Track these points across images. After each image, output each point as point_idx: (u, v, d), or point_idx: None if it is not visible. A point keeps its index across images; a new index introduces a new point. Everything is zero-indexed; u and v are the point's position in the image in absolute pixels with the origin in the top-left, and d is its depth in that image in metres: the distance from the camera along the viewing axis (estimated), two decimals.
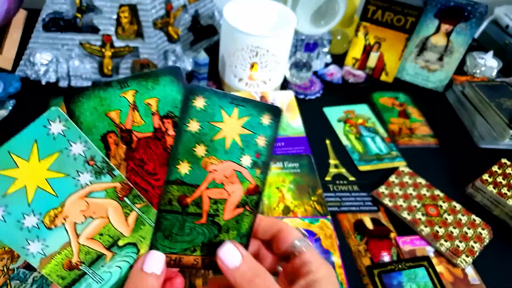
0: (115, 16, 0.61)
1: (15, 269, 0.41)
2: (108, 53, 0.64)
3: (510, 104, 0.66)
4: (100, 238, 0.28)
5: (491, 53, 0.80)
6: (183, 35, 0.70)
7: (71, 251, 0.27)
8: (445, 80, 0.77)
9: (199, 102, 0.28)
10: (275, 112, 0.30)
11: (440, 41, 0.74)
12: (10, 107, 0.58)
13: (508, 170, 0.58)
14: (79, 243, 0.27)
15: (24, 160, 0.25)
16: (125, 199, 0.28)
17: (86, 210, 0.27)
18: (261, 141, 0.30)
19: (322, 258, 0.29)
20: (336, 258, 0.46)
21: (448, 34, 0.73)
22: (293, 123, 0.63)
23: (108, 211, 0.28)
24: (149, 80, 0.28)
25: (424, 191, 0.56)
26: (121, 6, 0.61)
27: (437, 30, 0.73)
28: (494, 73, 0.79)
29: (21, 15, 0.73)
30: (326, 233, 0.48)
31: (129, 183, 0.28)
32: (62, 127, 0.25)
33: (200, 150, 0.29)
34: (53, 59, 0.64)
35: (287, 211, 0.51)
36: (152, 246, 0.30)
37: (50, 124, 0.25)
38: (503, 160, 0.59)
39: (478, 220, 0.53)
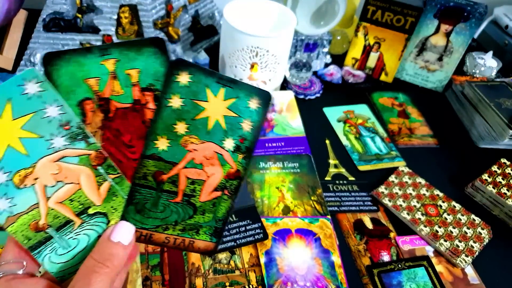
0: (115, 17, 0.62)
1: None
2: None
3: (510, 104, 0.66)
4: (70, 204, 0.28)
5: (490, 53, 0.80)
6: (183, 35, 0.71)
7: (39, 213, 0.27)
8: (445, 80, 0.77)
9: (183, 78, 0.27)
10: (264, 97, 0.28)
11: (439, 41, 0.74)
12: None
13: (508, 170, 0.58)
14: (48, 206, 0.27)
15: None
16: (99, 168, 0.28)
17: (58, 174, 0.27)
18: (247, 126, 0.29)
19: None
20: (336, 258, 0.46)
21: (447, 34, 0.73)
22: (293, 123, 0.63)
23: (80, 178, 0.27)
24: (132, 49, 0.27)
25: (423, 191, 0.56)
26: (121, 6, 0.61)
27: (437, 30, 0.73)
28: (494, 73, 0.80)
29: (22, 15, 0.73)
30: (326, 233, 0.48)
31: (104, 152, 0.28)
32: (38, 88, 0.25)
33: (180, 128, 0.28)
34: None
35: (287, 210, 0.51)
36: (123, 219, 0.29)
37: (26, 84, 0.25)
38: (503, 160, 0.59)
39: (477, 220, 0.53)
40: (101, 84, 0.27)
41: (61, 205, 0.27)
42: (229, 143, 0.29)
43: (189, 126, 0.28)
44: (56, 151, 0.26)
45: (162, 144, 0.28)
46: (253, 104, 0.28)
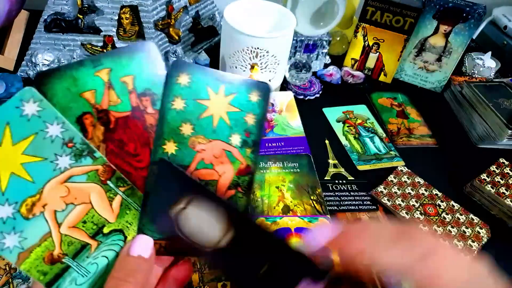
0: (116, 17, 0.62)
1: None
2: None
3: (508, 104, 0.67)
4: (83, 226, 0.26)
5: (489, 53, 0.80)
6: (184, 36, 0.71)
7: (52, 242, 0.24)
8: (444, 80, 0.78)
9: (183, 79, 0.27)
10: (263, 89, 0.28)
11: (438, 42, 0.75)
12: None
13: (506, 170, 0.58)
14: (61, 233, 0.25)
15: None
16: (108, 182, 0.26)
17: (67, 196, 0.25)
18: (250, 119, 0.28)
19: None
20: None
21: (446, 35, 0.74)
22: (292, 123, 0.64)
23: (91, 196, 0.26)
24: (123, 57, 0.26)
25: (422, 190, 0.56)
26: (122, 7, 0.61)
27: (436, 31, 0.74)
28: (492, 73, 0.80)
29: (23, 16, 0.74)
30: None
31: (111, 165, 0.26)
32: (36, 107, 0.23)
33: (186, 129, 0.27)
34: (55, 59, 0.64)
35: (286, 210, 0.51)
36: (140, 232, 0.27)
37: (24, 105, 0.23)
38: (501, 160, 0.60)
39: (476, 219, 0.53)
40: (98, 96, 0.26)
41: (75, 230, 0.25)
42: (236, 139, 0.28)
43: (194, 127, 0.27)
44: (62, 172, 0.24)
45: (170, 148, 0.27)
46: (254, 97, 0.28)
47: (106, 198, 0.26)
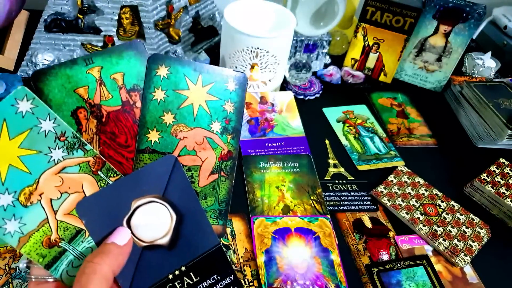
0: (116, 17, 0.62)
1: (17, 268, 0.42)
2: None
3: (508, 104, 0.67)
4: None
5: (489, 53, 0.80)
6: (184, 36, 0.71)
7: (49, 228, 0.27)
8: (444, 80, 0.78)
9: (162, 71, 0.29)
10: (240, 78, 0.30)
11: (438, 42, 0.75)
12: None
13: (506, 170, 0.58)
14: (57, 219, 0.27)
15: None
16: (99, 172, 0.28)
17: (61, 185, 0.27)
18: (229, 107, 0.30)
19: None
20: (335, 257, 0.46)
21: (446, 35, 0.73)
22: (292, 123, 0.64)
23: (83, 186, 0.28)
24: (113, 55, 0.28)
25: (422, 190, 0.56)
26: (122, 7, 0.61)
27: (436, 31, 0.74)
28: (492, 73, 0.80)
29: (23, 16, 0.74)
30: (325, 232, 0.49)
31: (102, 157, 0.28)
32: (30, 105, 0.25)
33: (168, 118, 0.29)
34: (55, 59, 0.64)
35: (287, 210, 0.51)
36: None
37: (18, 103, 0.25)
38: (501, 160, 0.60)
39: (476, 219, 0.53)
40: (90, 91, 0.28)
41: (69, 216, 0.28)
42: (216, 126, 0.30)
43: (175, 115, 0.29)
44: (56, 163, 0.27)
45: (153, 136, 0.29)
46: (231, 85, 0.30)
47: (98, 187, 0.28)
